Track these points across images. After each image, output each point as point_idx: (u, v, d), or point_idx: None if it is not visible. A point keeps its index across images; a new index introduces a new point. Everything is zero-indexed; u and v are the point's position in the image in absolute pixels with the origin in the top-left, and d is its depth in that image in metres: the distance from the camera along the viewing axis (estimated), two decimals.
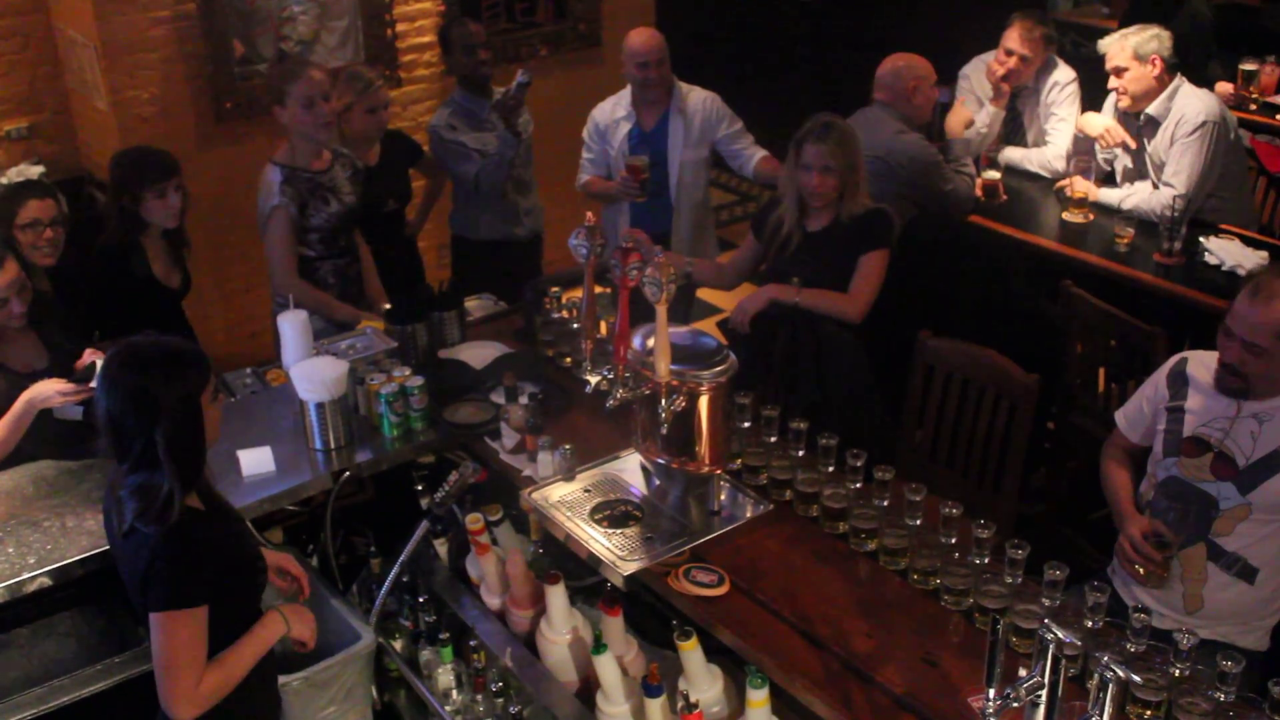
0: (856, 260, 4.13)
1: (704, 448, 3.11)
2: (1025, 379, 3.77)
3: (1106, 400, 4.44)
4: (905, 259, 4.39)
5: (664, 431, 3.07)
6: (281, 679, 3.15)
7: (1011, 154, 5.63)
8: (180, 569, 2.60)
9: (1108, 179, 5.35)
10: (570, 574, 3.28)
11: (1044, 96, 5.53)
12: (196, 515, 2.69)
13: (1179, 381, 3.22)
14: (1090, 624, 2.64)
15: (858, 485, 3.15)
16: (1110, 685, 2.13)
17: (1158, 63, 4.91)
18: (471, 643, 3.40)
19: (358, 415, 3.77)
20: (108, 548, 2.97)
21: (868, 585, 2.94)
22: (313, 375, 3.57)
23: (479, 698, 3.33)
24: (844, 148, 4.09)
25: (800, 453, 3.30)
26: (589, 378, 3.17)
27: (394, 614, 3.65)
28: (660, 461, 3.18)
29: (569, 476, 3.36)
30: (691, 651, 2.84)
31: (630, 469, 3.40)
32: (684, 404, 3.01)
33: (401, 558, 3.40)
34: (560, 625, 3.15)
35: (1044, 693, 2.22)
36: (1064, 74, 5.50)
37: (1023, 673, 2.28)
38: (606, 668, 2.92)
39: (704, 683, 2.87)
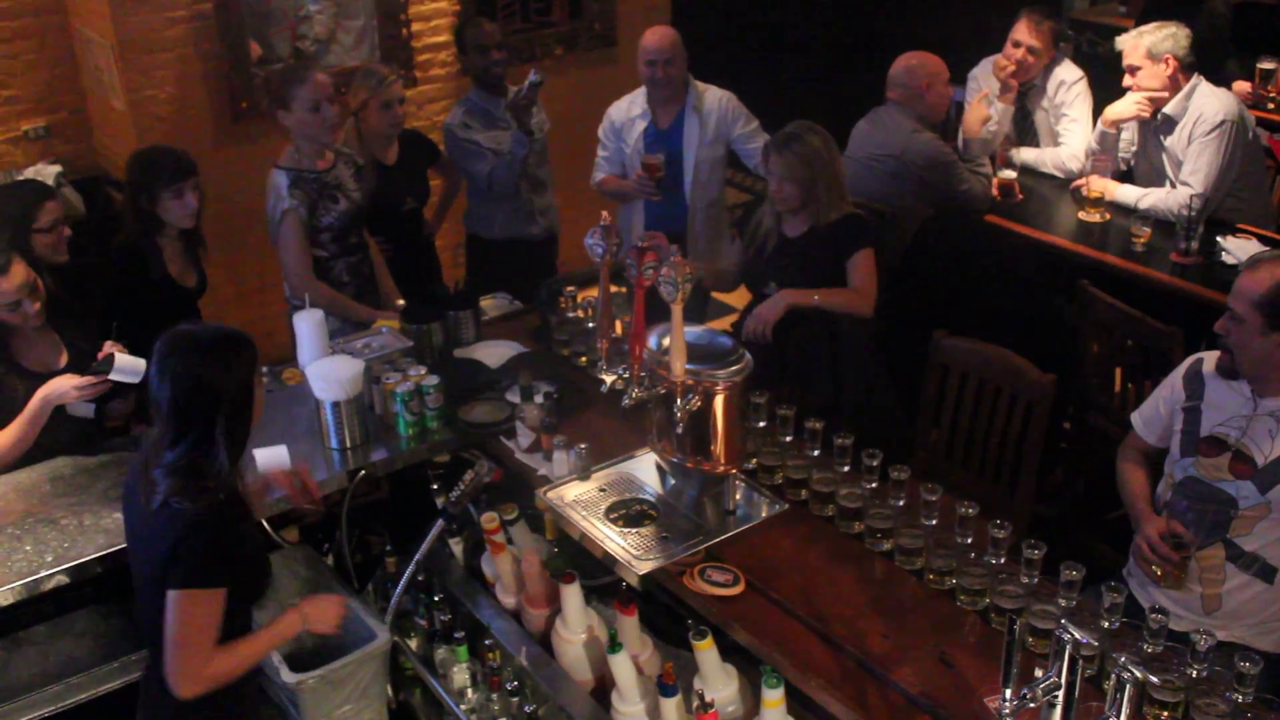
0: (834, 265, 4.17)
1: (719, 447, 3.11)
2: (1041, 379, 3.76)
3: (1123, 400, 4.42)
4: (921, 259, 4.39)
5: (679, 431, 3.07)
6: (297, 676, 3.16)
7: (1026, 155, 5.61)
8: (209, 549, 2.66)
9: (1124, 177, 5.32)
10: (585, 573, 3.28)
11: (1052, 95, 5.52)
12: (228, 501, 2.73)
13: (1195, 381, 3.21)
14: (1107, 624, 2.63)
15: (873, 485, 3.14)
16: (1127, 686, 2.13)
17: (1171, 62, 4.88)
18: (487, 641, 3.40)
19: (373, 414, 3.78)
20: (125, 546, 2.98)
21: (883, 585, 2.94)
22: (329, 374, 3.58)
23: (494, 696, 3.34)
24: (805, 161, 4.11)
25: (816, 452, 3.30)
26: (604, 377, 3.17)
27: (409, 613, 3.65)
28: (675, 461, 3.18)
29: (584, 476, 3.37)
30: (707, 651, 2.83)
31: (645, 468, 3.40)
32: (699, 403, 3.01)
33: (417, 556, 3.40)
34: (575, 624, 3.15)
35: (1061, 693, 2.21)
36: (1071, 72, 5.48)
37: (1039, 673, 2.28)
38: (622, 667, 2.92)
39: (719, 682, 2.87)
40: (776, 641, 2.77)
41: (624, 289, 3.92)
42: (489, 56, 5.25)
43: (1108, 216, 5.15)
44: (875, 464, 3.15)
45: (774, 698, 2.70)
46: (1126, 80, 5.04)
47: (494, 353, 4.05)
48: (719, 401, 3.04)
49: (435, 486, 3.67)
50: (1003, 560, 2.85)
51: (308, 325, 3.84)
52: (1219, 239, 4.75)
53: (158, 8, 5.55)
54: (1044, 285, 5.15)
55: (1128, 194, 5.13)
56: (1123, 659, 2.15)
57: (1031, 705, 2.26)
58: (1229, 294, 3.06)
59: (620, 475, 3.39)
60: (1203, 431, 3.14)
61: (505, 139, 5.16)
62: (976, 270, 5.11)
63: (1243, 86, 6.04)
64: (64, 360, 3.72)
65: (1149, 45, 4.90)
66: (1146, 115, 5.04)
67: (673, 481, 3.30)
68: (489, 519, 3.30)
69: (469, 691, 3.42)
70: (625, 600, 3.02)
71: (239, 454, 2.76)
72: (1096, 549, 4.13)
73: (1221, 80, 5.34)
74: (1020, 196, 5.36)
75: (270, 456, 3.55)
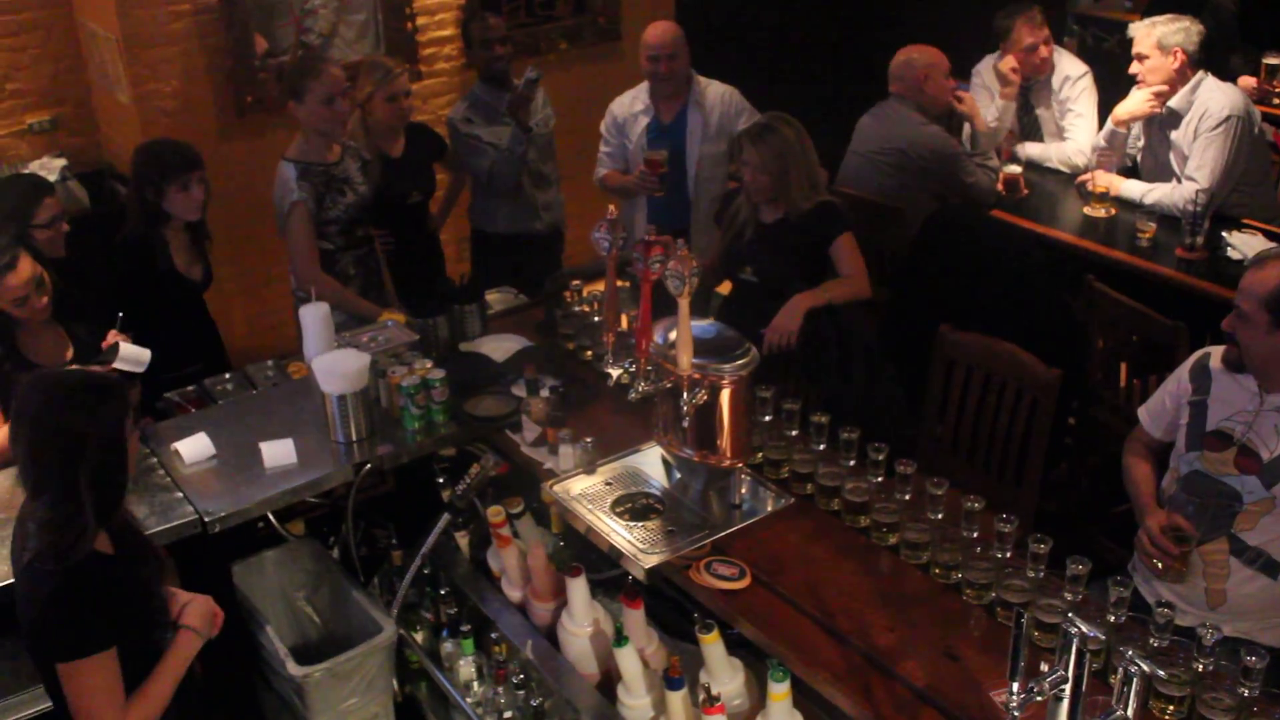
0: (811, 253, 4.27)
1: (725, 441, 3.11)
2: (1046, 374, 3.76)
3: (1128, 395, 4.42)
4: (927, 254, 4.39)
5: (685, 425, 3.07)
6: (303, 669, 3.17)
7: (1031, 149, 5.61)
8: (77, 616, 2.47)
9: (1129, 172, 5.32)
10: (591, 567, 3.29)
11: (1057, 90, 5.51)
12: (101, 559, 2.55)
13: (1202, 376, 3.22)
14: (1113, 619, 2.64)
15: (879, 479, 3.15)
16: (1134, 680, 2.13)
17: (1179, 55, 4.88)
18: (493, 635, 3.40)
19: (379, 408, 3.78)
20: None
21: (889, 579, 2.94)
22: (334, 368, 3.59)
23: (500, 690, 3.34)
24: (776, 153, 4.20)
25: (822, 446, 3.30)
26: (611, 371, 3.18)
27: (415, 606, 3.66)
28: (682, 455, 3.18)
29: (590, 469, 3.37)
30: (713, 644, 2.84)
31: (651, 462, 3.40)
32: (706, 397, 3.01)
33: (423, 550, 3.41)
34: (581, 618, 3.16)
35: (1068, 687, 2.21)
36: (1075, 67, 5.48)
37: (1044, 667, 2.28)
38: (628, 660, 2.93)
39: (725, 676, 2.88)
40: (782, 635, 2.77)
41: (629, 283, 3.94)
42: (492, 51, 5.25)
43: (1113, 211, 5.15)
44: (881, 458, 3.15)
45: (780, 691, 2.71)
46: (1133, 68, 5.03)
47: (500, 346, 4.05)
48: (725, 395, 3.05)
49: (441, 480, 3.67)
50: (1009, 554, 2.85)
51: (313, 318, 3.84)
52: (1224, 234, 4.75)
53: (162, 2, 5.54)
54: (1049, 280, 5.14)
55: (1133, 189, 5.13)
56: (1129, 653, 2.15)
57: (1038, 699, 2.26)
58: (1235, 290, 3.06)
59: (626, 469, 3.39)
60: (1208, 426, 3.14)
61: (506, 134, 5.16)
62: (982, 265, 5.10)
63: (1248, 81, 6.04)
64: (70, 355, 3.73)
65: (1160, 36, 4.90)
66: (1158, 112, 5.04)
67: (679, 475, 3.31)
68: (495, 512, 3.31)
69: (475, 684, 3.43)
70: (631, 594, 3.03)
71: (110, 512, 2.56)
72: (1102, 544, 4.13)
73: (1227, 75, 5.34)
74: (1025, 191, 5.36)
75: (277, 450, 3.55)
